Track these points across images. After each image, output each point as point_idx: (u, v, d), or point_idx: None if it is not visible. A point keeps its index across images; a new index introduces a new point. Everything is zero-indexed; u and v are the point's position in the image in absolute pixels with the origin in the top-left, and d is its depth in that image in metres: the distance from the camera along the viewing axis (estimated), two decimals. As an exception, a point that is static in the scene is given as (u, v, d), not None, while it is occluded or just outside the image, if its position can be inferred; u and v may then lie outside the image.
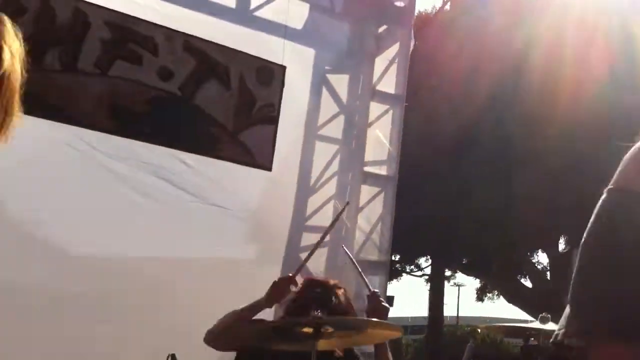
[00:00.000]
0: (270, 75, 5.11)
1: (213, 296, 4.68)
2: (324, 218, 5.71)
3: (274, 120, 5.07)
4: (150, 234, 4.46)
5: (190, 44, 4.87)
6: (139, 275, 4.42)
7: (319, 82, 5.71)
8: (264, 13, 5.44)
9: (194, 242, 4.73)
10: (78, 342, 4.12)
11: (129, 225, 4.36)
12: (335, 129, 5.80)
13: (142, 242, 4.45)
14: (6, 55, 1.61)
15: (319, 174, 5.72)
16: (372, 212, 5.76)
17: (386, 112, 5.82)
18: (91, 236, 4.27)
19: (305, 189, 5.64)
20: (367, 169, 5.81)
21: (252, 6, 5.44)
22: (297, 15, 5.54)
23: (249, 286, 4.90)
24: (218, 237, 4.94)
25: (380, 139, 5.79)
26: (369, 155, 5.82)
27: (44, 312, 4.08)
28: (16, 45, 1.65)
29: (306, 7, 5.66)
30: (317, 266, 5.44)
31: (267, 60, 5.13)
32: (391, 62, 5.86)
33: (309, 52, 5.69)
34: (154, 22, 4.74)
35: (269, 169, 5.02)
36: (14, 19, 1.62)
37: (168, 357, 3.19)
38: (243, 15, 5.35)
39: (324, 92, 5.76)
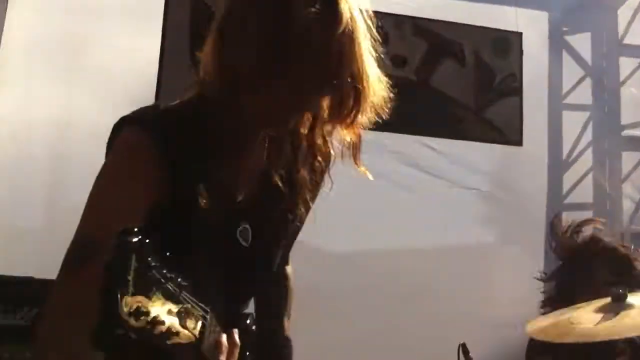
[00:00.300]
0: (507, 44, 4.76)
1: (470, 281, 4.42)
2: (584, 194, 5.21)
3: (517, 91, 4.70)
4: (405, 224, 4.30)
5: (419, 27, 4.67)
6: (398, 267, 4.26)
7: (558, 46, 5.23)
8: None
9: (448, 228, 4.50)
10: (349, 338, 4.01)
11: (385, 217, 4.23)
12: (583, 94, 5.27)
13: (398, 233, 4.30)
14: (343, 5, 1.28)
15: (571, 146, 5.23)
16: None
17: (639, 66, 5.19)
18: (349, 232, 4.20)
19: (557, 163, 5.18)
20: (625, 132, 5.20)
21: (474, -21, 5.14)
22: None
23: (505, 269, 4.60)
24: (469, 220, 4.67)
25: (638, 96, 5.17)
26: (626, 118, 5.21)
27: (310, 309, 4.03)
28: None
29: (531, -33, 5.23)
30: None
31: (501, 30, 4.79)
32: (637, 11, 5.22)
33: (542, 16, 5.24)
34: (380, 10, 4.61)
35: (520, 143, 4.65)
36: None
37: (459, 346, 2.94)
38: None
39: (565, 55, 5.27)
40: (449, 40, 4.68)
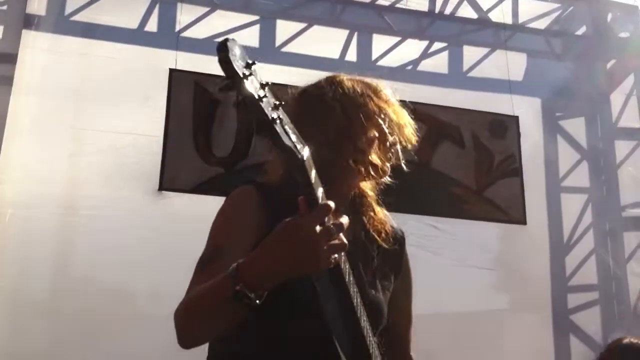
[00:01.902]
0: (504, 127, 4.85)
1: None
2: (588, 275, 5.17)
3: (517, 172, 4.75)
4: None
5: (418, 111, 4.75)
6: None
7: (553, 131, 5.34)
8: (480, 72, 5.28)
9: (453, 301, 4.49)
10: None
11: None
12: (580, 177, 5.33)
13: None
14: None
15: (572, 229, 5.23)
16: (643, 258, 5.12)
17: (636, 147, 5.28)
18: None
19: (559, 245, 5.18)
20: (626, 213, 5.22)
21: (465, 68, 5.31)
22: (516, 66, 5.29)
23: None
24: (478, 294, 4.66)
25: (637, 177, 5.22)
26: (625, 198, 5.25)
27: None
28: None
29: (523, 56, 5.40)
30: (590, 321, 4.96)
31: (497, 114, 4.89)
32: (629, 95, 5.37)
33: (536, 102, 5.38)
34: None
35: (523, 222, 4.65)
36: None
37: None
38: (460, 79, 5.23)
39: (560, 140, 5.36)
40: (446, 123, 4.76)
